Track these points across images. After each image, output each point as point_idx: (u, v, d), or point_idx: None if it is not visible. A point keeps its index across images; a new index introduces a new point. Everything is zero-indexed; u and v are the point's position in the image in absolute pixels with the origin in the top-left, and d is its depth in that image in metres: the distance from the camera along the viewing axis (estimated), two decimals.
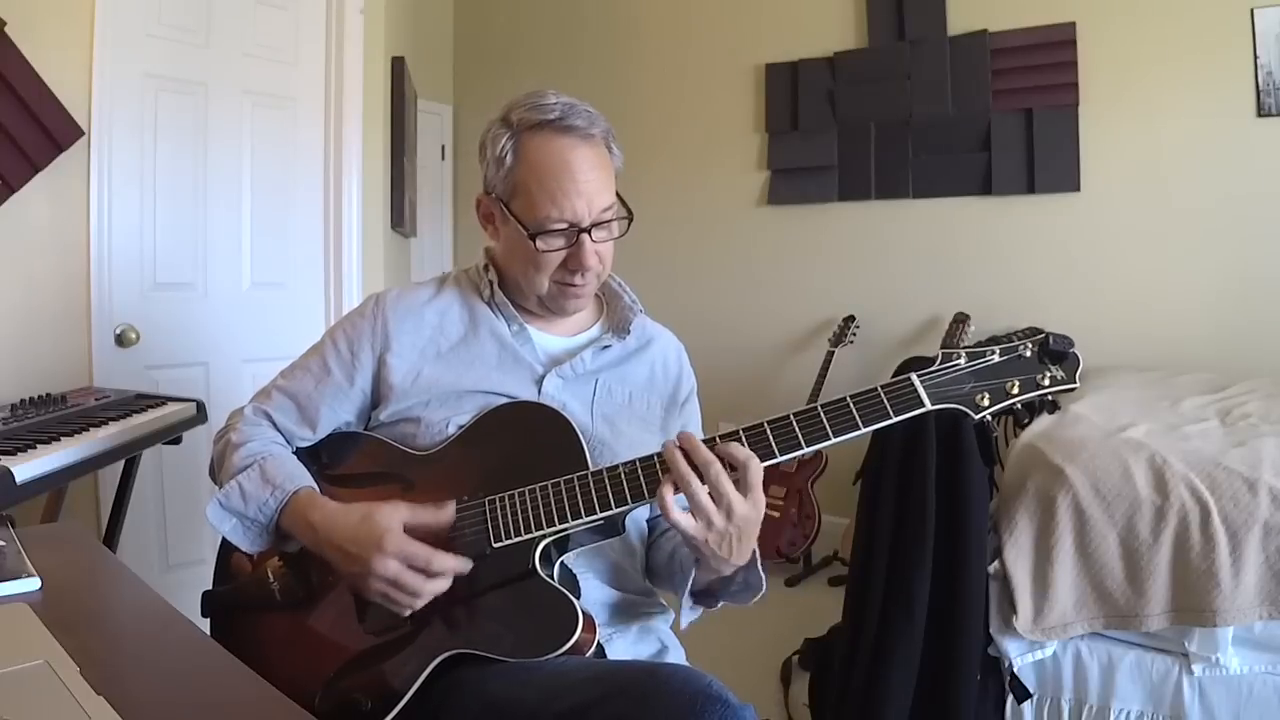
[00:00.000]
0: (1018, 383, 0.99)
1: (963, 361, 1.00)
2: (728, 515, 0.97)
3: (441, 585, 1.01)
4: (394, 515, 1.02)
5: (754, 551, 1.06)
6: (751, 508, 0.98)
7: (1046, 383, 1.00)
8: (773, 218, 3.79)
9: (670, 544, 1.21)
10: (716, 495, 0.97)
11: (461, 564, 1.02)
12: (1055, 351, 0.99)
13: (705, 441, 0.99)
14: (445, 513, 1.04)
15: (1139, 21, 3.05)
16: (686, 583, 1.08)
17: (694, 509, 0.97)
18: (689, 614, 1.13)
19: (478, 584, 1.03)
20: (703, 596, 1.13)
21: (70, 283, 2.26)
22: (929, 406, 0.98)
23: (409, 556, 1.00)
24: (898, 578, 1.74)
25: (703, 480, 0.97)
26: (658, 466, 1.01)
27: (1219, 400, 2.25)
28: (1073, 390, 1.01)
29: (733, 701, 0.84)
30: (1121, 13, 3.08)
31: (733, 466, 0.97)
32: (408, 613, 1.02)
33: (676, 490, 0.98)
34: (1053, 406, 1.03)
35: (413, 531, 1.02)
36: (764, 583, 1.11)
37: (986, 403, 0.99)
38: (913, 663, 1.70)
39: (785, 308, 3.77)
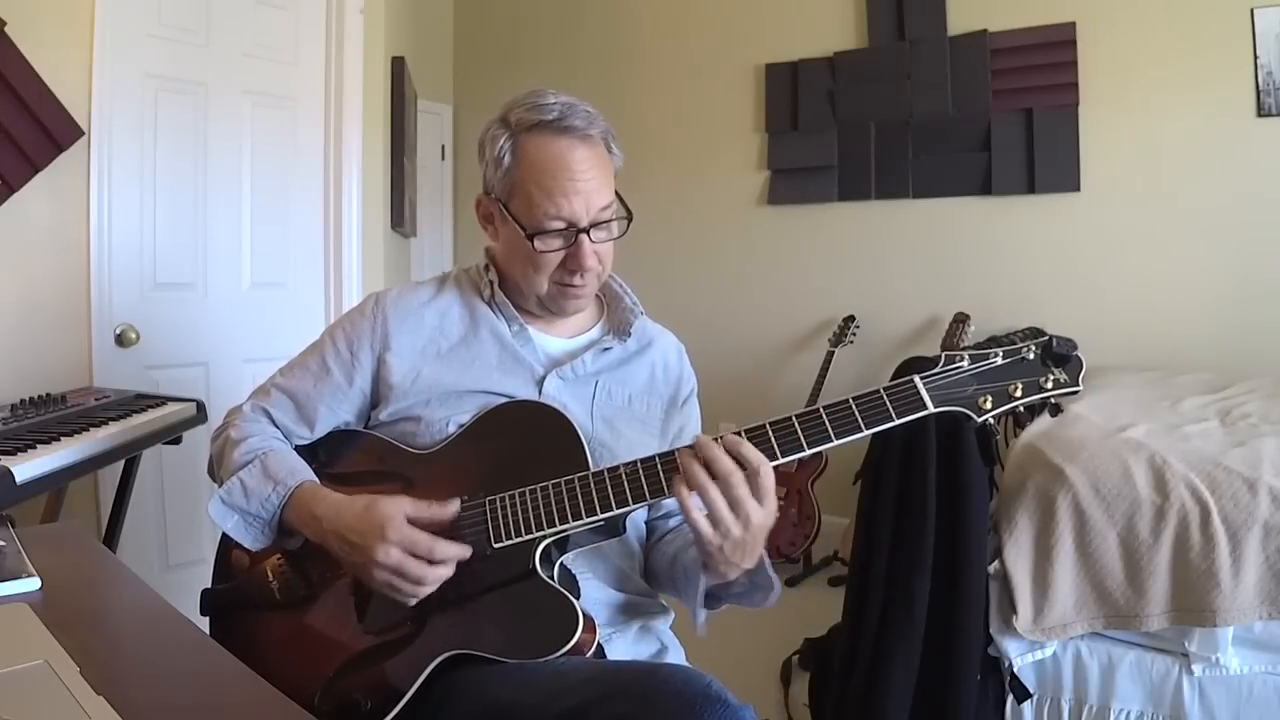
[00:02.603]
0: (1021, 385, 0.99)
1: (965, 364, 1.00)
2: (745, 525, 0.96)
3: (445, 572, 1.00)
4: (397, 505, 1.02)
5: (762, 554, 1.05)
6: (766, 515, 0.97)
7: (1049, 385, 0.99)
8: (773, 218, 3.78)
9: (671, 548, 1.20)
10: (734, 505, 0.96)
11: (463, 550, 1.01)
12: (1058, 354, 0.99)
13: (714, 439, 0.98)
14: (449, 508, 1.04)
15: (1139, 21, 3.05)
16: (694, 587, 1.07)
17: (712, 518, 0.96)
18: (702, 616, 1.11)
19: (478, 584, 1.03)
20: (707, 599, 1.12)
21: (70, 283, 2.26)
22: (931, 409, 0.98)
23: (411, 544, 1.00)
24: (898, 578, 1.74)
25: (721, 490, 0.96)
26: (659, 467, 1.01)
27: (1219, 400, 2.25)
28: (1076, 393, 1.00)
29: (732, 702, 0.84)
30: (1121, 13, 3.08)
31: (743, 466, 0.96)
32: (413, 602, 1.02)
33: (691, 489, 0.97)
34: (1055, 409, 1.03)
35: (415, 524, 1.02)
36: (776, 583, 1.09)
37: (989, 405, 0.99)
38: (913, 663, 1.70)
39: (785, 308, 3.77)
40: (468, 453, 1.11)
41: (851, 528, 2.02)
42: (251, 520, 1.11)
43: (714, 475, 0.96)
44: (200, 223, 2.57)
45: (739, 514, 0.96)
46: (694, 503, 0.97)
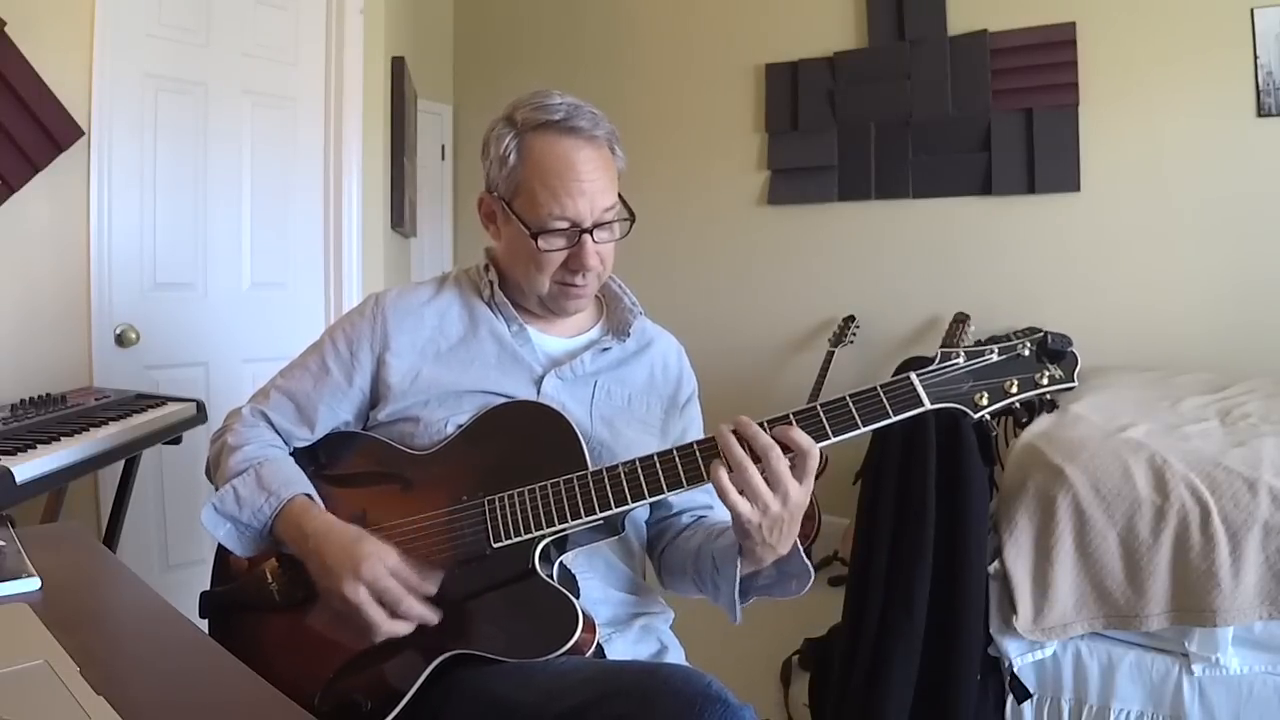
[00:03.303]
0: (1016, 382, 1.00)
1: (961, 360, 1.00)
2: (784, 501, 0.96)
3: (402, 629, 1.00)
4: (385, 550, 1.02)
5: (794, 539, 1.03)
6: (804, 493, 0.97)
7: (1045, 382, 1.00)
8: (773, 218, 3.78)
9: (691, 543, 1.18)
10: (774, 481, 0.95)
11: (429, 615, 1.01)
12: (1053, 350, 1.00)
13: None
14: (428, 586, 1.03)
15: (1139, 21, 3.05)
16: (727, 577, 1.05)
17: (749, 495, 0.96)
18: (738, 605, 1.09)
19: (477, 584, 1.03)
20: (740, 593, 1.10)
21: (70, 283, 2.26)
22: (928, 406, 0.98)
23: (380, 590, 1.00)
24: (898, 578, 1.74)
25: (762, 466, 0.96)
26: (658, 466, 1.01)
27: (1219, 400, 2.25)
28: (1071, 389, 1.01)
29: (732, 701, 0.84)
30: (1121, 13, 3.08)
31: (788, 449, 0.96)
32: (361, 642, 1.01)
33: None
34: (1051, 406, 1.03)
35: (395, 576, 1.01)
36: (809, 568, 1.07)
37: (985, 402, 0.99)
38: (913, 663, 1.70)
39: (785, 308, 3.77)
40: (467, 453, 1.11)
41: (851, 528, 2.02)
42: (243, 530, 1.12)
43: (754, 452, 0.96)
44: (200, 223, 2.57)
45: (778, 490, 0.95)
46: (729, 484, 0.96)
